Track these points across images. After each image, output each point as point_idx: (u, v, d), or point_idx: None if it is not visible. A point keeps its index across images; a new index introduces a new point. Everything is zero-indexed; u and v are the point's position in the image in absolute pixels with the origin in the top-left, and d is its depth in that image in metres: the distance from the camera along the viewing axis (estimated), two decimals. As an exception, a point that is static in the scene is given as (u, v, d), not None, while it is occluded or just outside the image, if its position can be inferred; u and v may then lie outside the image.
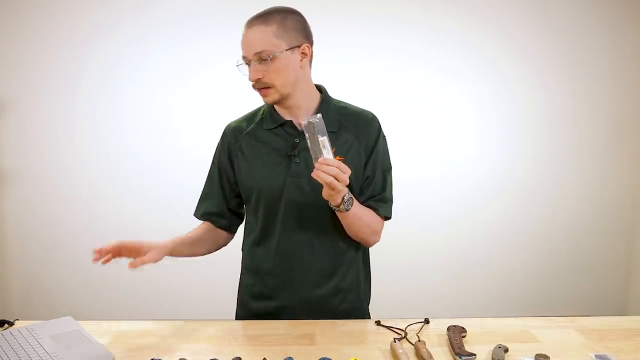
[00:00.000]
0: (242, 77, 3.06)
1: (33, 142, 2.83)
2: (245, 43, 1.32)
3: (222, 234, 1.52)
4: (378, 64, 2.82)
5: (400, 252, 2.80)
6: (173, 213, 2.85)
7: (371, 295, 1.56)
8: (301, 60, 1.34)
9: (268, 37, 1.29)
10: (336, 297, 1.43)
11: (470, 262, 3.02)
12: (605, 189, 3.02)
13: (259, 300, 1.46)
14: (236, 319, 1.54)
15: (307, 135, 1.22)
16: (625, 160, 3.01)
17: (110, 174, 2.86)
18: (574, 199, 3.02)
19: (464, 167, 2.96)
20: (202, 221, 1.51)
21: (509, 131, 2.96)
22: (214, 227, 1.50)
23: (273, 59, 1.29)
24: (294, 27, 1.33)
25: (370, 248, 1.52)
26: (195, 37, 2.79)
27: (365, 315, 1.51)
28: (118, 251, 1.26)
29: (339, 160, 1.25)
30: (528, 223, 3.02)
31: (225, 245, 1.54)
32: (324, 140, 1.21)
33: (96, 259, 1.24)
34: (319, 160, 1.20)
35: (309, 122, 1.20)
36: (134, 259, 1.25)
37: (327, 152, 1.21)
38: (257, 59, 1.30)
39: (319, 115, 1.22)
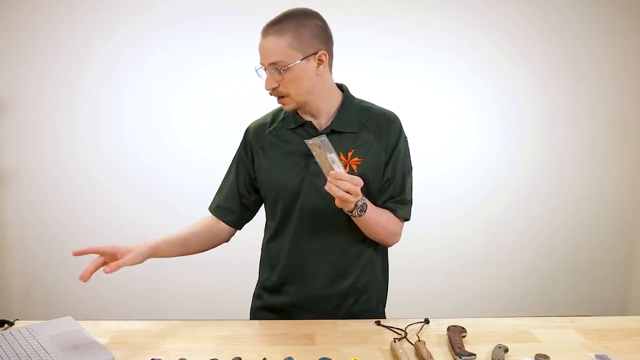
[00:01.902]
0: (241, 78, 3.06)
1: (33, 142, 2.83)
2: (260, 52, 1.32)
3: (226, 228, 1.51)
4: (377, 64, 2.82)
5: (400, 252, 2.80)
6: (173, 213, 2.86)
7: None
8: (317, 67, 1.33)
9: (282, 49, 1.28)
10: (349, 298, 1.44)
11: (470, 262, 3.02)
12: (605, 189, 3.02)
13: (272, 294, 1.48)
14: (250, 311, 1.55)
15: (314, 154, 1.23)
16: (625, 161, 3.01)
17: (110, 174, 2.86)
18: (573, 200, 3.02)
19: (463, 167, 2.96)
20: (210, 214, 1.52)
21: (508, 131, 2.95)
22: (218, 221, 1.50)
23: (287, 70, 1.29)
24: (310, 34, 1.30)
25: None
26: (195, 37, 2.79)
27: (380, 317, 1.50)
28: (99, 259, 1.29)
29: (358, 161, 1.25)
30: (528, 223, 3.02)
31: (228, 240, 1.54)
32: (332, 157, 1.22)
33: (85, 279, 1.26)
34: (330, 174, 1.21)
35: (314, 143, 1.21)
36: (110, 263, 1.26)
37: (338, 167, 1.22)
38: (272, 69, 1.30)
39: (323, 135, 1.23)
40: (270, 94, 1.35)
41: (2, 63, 2.77)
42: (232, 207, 1.49)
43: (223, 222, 1.50)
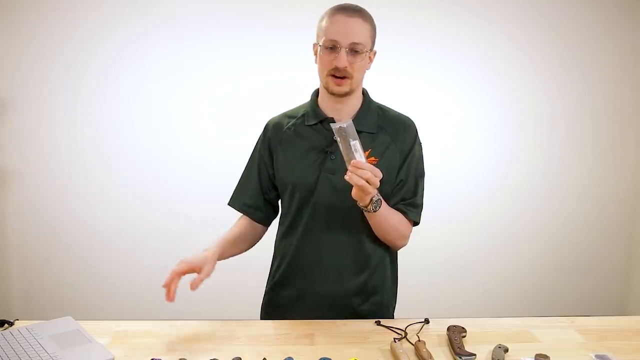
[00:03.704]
0: (242, 78, 3.05)
1: (33, 142, 2.82)
2: (342, 30, 1.31)
3: (259, 227, 1.53)
4: (376, 64, 2.81)
5: (401, 251, 2.81)
6: (173, 213, 2.86)
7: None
8: (368, 64, 1.39)
9: (367, 33, 1.34)
10: (358, 297, 1.44)
11: (470, 262, 3.02)
12: (605, 189, 3.02)
13: (282, 288, 1.49)
14: (261, 306, 1.56)
15: (338, 139, 1.24)
16: (625, 160, 3.01)
17: (110, 173, 2.86)
18: (574, 199, 3.02)
19: (464, 167, 2.96)
20: (240, 214, 1.53)
21: (509, 131, 2.95)
22: (251, 220, 1.51)
23: (362, 55, 1.32)
24: (375, 31, 1.39)
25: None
26: (195, 37, 2.79)
27: (390, 317, 1.51)
28: (179, 277, 1.30)
29: (374, 161, 1.28)
30: (528, 223, 3.02)
31: (259, 239, 1.55)
32: (355, 144, 1.23)
33: (171, 299, 1.28)
34: (352, 162, 1.22)
35: (340, 127, 1.23)
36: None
37: (360, 156, 1.23)
38: (349, 49, 1.31)
39: (349, 120, 1.25)
40: (336, 71, 1.33)
41: (2, 63, 2.77)
42: (259, 205, 1.51)
43: (254, 220, 1.51)
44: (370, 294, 1.45)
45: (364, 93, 1.47)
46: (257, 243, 1.56)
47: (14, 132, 2.81)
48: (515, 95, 2.93)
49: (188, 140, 2.86)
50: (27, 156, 2.83)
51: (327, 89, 1.38)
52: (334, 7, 1.35)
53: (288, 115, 1.50)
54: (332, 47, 1.31)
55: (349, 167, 1.22)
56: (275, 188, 1.51)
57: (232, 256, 1.46)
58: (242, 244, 1.50)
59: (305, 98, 1.51)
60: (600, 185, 3.01)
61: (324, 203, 1.39)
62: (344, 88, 1.35)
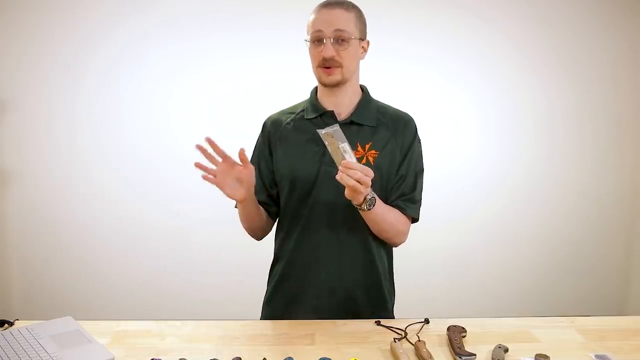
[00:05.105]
0: (241, 78, 3.05)
1: (33, 142, 2.83)
2: (325, 20, 1.35)
3: (269, 220, 1.53)
4: (377, 64, 2.81)
5: (401, 252, 2.80)
6: (173, 213, 2.86)
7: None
8: (361, 53, 1.42)
9: (350, 21, 1.36)
10: (359, 292, 1.45)
11: (470, 262, 3.02)
12: (604, 189, 3.02)
13: (283, 282, 1.49)
14: (262, 304, 1.56)
15: (326, 143, 1.25)
16: (625, 160, 3.01)
17: (110, 173, 2.86)
18: (573, 199, 3.02)
19: (464, 167, 2.96)
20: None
21: (508, 131, 2.95)
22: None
23: (349, 41, 1.35)
24: (364, 21, 1.42)
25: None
26: (195, 37, 2.79)
27: (389, 314, 1.52)
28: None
29: (375, 154, 1.28)
30: (528, 223, 3.02)
31: (268, 233, 1.54)
32: (344, 147, 1.24)
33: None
34: (342, 163, 1.23)
35: (327, 132, 1.24)
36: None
37: (350, 157, 1.24)
38: (334, 38, 1.34)
39: (335, 125, 1.26)
40: (325, 62, 1.35)
41: (2, 63, 2.77)
42: (263, 200, 1.50)
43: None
44: (370, 287, 1.46)
45: (364, 89, 1.48)
46: (263, 240, 1.54)
47: (14, 132, 2.81)
48: (513, 94, 2.93)
49: (188, 140, 2.84)
50: (27, 156, 2.84)
51: (319, 81, 1.41)
52: (319, 4, 1.40)
53: (287, 112, 1.51)
54: (318, 40, 1.35)
55: (340, 168, 1.23)
56: (277, 184, 1.50)
57: (250, 217, 1.44)
58: (262, 218, 1.47)
59: (304, 98, 1.52)
60: (599, 184, 3.01)
61: (324, 196, 1.40)
62: (335, 77, 1.37)
